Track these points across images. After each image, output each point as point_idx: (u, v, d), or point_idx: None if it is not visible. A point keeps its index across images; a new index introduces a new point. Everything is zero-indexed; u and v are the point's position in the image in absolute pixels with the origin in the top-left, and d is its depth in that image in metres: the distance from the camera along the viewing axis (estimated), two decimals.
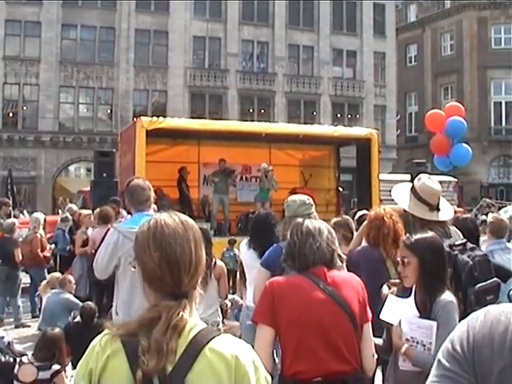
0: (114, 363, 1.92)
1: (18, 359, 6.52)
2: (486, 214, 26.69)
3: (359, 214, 9.50)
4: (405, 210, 5.20)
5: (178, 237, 2.03)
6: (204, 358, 1.88)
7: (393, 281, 4.73)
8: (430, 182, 5.12)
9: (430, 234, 4.14)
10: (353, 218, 7.64)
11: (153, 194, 5.66)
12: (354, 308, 3.54)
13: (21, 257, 12.26)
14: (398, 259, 4.08)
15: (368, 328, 3.63)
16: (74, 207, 15.15)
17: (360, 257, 5.46)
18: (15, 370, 6.26)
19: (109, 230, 10.10)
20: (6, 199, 16.57)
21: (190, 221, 2.14)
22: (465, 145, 14.87)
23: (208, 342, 1.90)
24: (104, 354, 1.94)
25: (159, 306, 1.96)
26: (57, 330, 6.90)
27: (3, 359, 6.75)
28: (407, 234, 4.38)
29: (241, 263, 6.55)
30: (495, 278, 4.58)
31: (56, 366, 6.29)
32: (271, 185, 16.65)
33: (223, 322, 7.65)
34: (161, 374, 1.86)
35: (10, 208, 15.66)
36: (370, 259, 5.41)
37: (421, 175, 5.37)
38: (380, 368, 4.64)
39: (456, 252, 4.53)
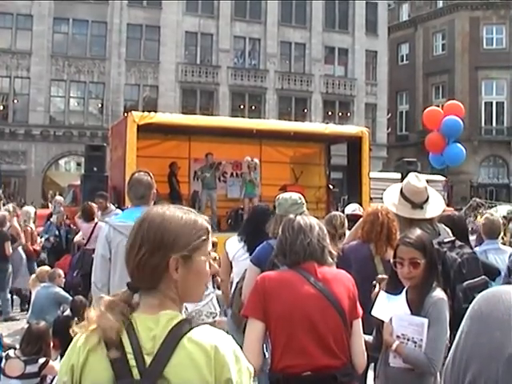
0: (95, 357, 1.92)
1: (4, 353, 6.51)
2: (475, 215, 26.88)
3: (351, 208, 9.55)
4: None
5: None
6: (183, 349, 1.86)
7: (380, 276, 4.73)
8: (414, 180, 5.10)
9: (420, 231, 4.15)
10: (343, 212, 7.66)
11: (154, 191, 5.62)
12: (343, 304, 3.56)
13: (11, 250, 12.22)
14: (397, 260, 3.98)
15: (358, 324, 3.64)
16: (61, 199, 15.13)
17: (350, 252, 5.48)
18: (2, 364, 6.25)
19: (96, 224, 10.18)
20: None
21: None
22: (459, 145, 14.83)
23: (186, 333, 1.89)
24: (85, 349, 1.94)
25: None
26: (42, 323, 6.85)
27: None
28: (402, 233, 4.35)
29: (227, 257, 6.51)
30: (483, 276, 4.61)
31: (42, 359, 6.27)
32: (254, 177, 16.62)
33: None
34: (140, 366, 1.86)
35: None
36: (358, 255, 5.43)
37: (409, 174, 5.39)
38: (371, 366, 4.64)
39: (445, 249, 4.55)
